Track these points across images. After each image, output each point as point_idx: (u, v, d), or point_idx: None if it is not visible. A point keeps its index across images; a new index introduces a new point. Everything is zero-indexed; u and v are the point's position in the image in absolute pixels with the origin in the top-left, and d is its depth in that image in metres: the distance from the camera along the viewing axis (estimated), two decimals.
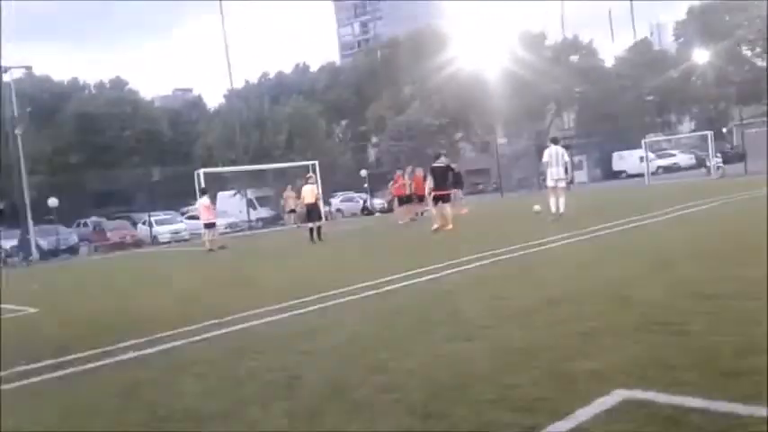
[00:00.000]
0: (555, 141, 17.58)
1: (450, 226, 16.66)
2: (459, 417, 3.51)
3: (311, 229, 18.98)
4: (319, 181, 34.21)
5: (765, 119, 44.35)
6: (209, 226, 22.03)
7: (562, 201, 16.11)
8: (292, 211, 30.63)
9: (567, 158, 16.73)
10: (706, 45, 50.88)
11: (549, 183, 16.51)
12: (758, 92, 50.52)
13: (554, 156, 16.45)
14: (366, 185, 40.44)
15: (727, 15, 54.44)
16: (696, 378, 3.67)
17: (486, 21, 44.70)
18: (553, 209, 16.04)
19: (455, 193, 24.44)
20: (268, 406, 4.09)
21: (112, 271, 19.47)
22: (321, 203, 28.90)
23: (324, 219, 21.22)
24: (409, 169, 24.81)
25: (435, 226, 16.89)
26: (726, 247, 8.55)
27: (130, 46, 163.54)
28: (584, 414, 3.32)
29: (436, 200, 17.49)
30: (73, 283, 16.93)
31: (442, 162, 18.28)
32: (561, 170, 16.32)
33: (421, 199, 24.04)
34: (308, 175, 20.75)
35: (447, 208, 17.32)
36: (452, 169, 18.80)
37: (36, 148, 41.53)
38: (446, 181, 17.72)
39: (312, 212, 19.49)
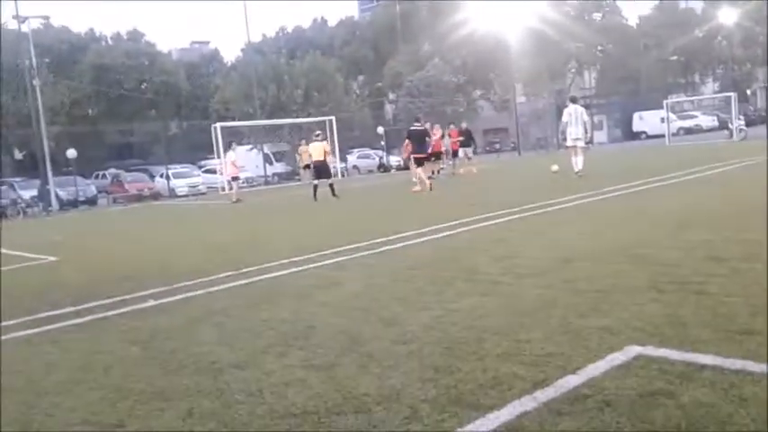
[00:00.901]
0: (574, 101, 17.49)
1: (427, 189, 17.04)
2: (469, 369, 3.56)
3: (315, 186, 18.58)
4: (336, 137, 34.25)
5: None
6: (235, 179, 23.37)
7: (581, 159, 16.06)
8: (307, 166, 30.65)
9: (586, 118, 16.67)
10: (733, 4, 49.63)
11: (569, 142, 16.45)
12: None
13: (573, 115, 16.38)
14: (383, 143, 40.29)
15: None
16: (709, 335, 3.68)
17: None
18: (575, 168, 16.00)
19: (465, 151, 24.40)
20: (285, 354, 4.17)
21: (139, 220, 19.68)
22: (335, 160, 28.88)
23: (337, 176, 21.07)
24: (427, 125, 24.58)
25: (416, 188, 17.45)
26: (740, 209, 8.47)
27: None
28: (595, 369, 3.35)
29: (416, 162, 18.21)
30: (93, 232, 17.14)
31: (419, 125, 19.10)
32: (581, 129, 16.26)
33: (438, 157, 24.01)
34: (317, 132, 20.32)
35: (420, 171, 17.81)
36: (428, 133, 19.56)
37: (54, 99, 41.65)
38: (424, 144, 18.44)
39: (321, 170, 19.06)
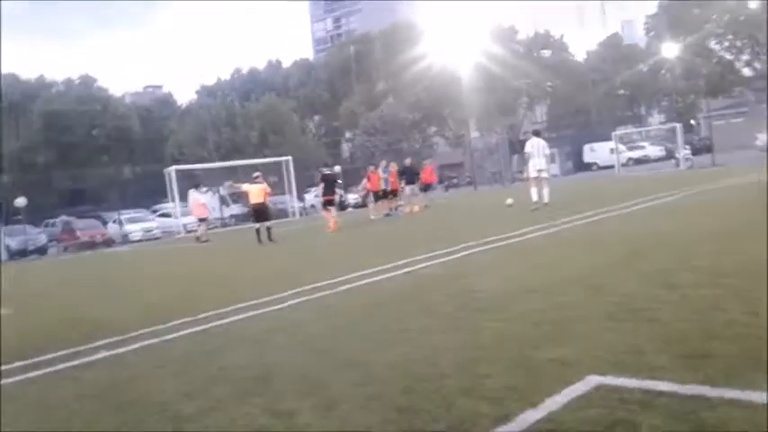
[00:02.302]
0: (537, 134, 18.20)
1: (332, 228, 18.73)
2: (430, 408, 3.53)
3: (257, 230, 18.19)
4: (293, 177, 34.21)
5: (731, 111, 45.13)
6: (203, 220, 23.97)
7: (546, 191, 16.59)
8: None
9: (547, 151, 17.26)
10: (675, 39, 51.61)
11: (532, 173, 16.79)
12: (725, 85, 51.42)
13: (536, 147, 16.85)
14: (339, 181, 40.34)
15: (697, 9, 55.31)
16: (665, 362, 3.73)
17: (457, 16, 44.66)
18: (535, 198, 16.37)
19: (412, 188, 24.37)
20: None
21: (90, 269, 19.22)
22: (292, 199, 28.73)
23: (295, 215, 21.00)
24: (383, 164, 24.67)
25: (331, 226, 18.98)
26: (689, 237, 8.69)
27: (99, 43, 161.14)
28: (555, 402, 3.35)
29: (325, 204, 20.01)
30: (44, 283, 16.68)
31: (328, 170, 20.99)
32: (543, 161, 16.69)
33: (395, 194, 24.13)
34: (255, 175, 19.67)
35: (333, 211, 19.87)
36: (338, 179, 21.53)
37: (4, 147, 40.83)
38: (334, 188, 20.38)
39: (260, 212, 18.56)
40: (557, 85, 58.29)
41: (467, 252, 10.05)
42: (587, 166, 50.98)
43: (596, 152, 50.89)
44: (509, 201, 18.59)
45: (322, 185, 20.24)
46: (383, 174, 23.94)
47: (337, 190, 21.21)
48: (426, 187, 27.00)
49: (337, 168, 31.29)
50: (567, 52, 60.92)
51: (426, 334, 5.21)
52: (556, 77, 57.80)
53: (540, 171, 16.66)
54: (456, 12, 46.24)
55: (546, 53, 60.03)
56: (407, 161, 25.48)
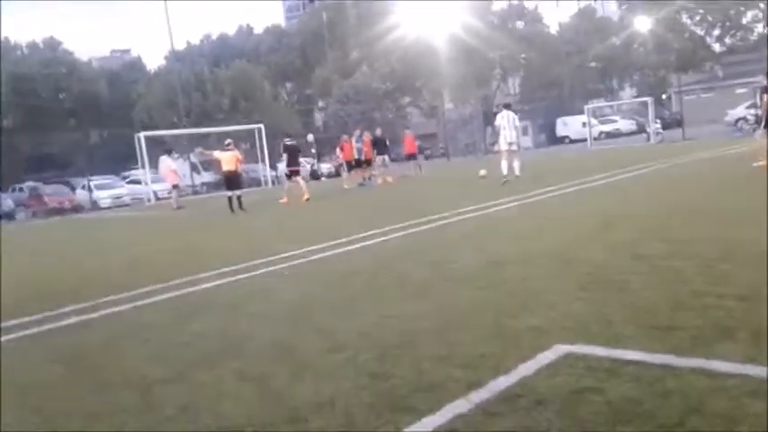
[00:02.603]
0: (507, 106, 17.95)
1: (306, 198, 18.28)
2: (404, 374, 3.57)
3: (229, 198, 17.88)
4: (265, 144, 33.90)
5: (702, 86, 45.61)
6: (176, 186, 23.78)
7: (517, 164, 16.55)
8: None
9: (518, 123, 17.26)
10: (648, 13, 51.73)
11: (503, 146, 16.77)
12: (696, 60, 51.85)
13: (507, 119, 16.74)
14: (313, 150, 40.10)
15: None
16: (633, 332, 3.82)
17: None
18: (505, 171, 16.34)
19: (383, 159, 24.31)
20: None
21: (60, 234, 18.95)
22: (264, 168, 28.57)
23: (268, 184, 20.81)
24: (357, 133, 24.55)
25: (284, 199, 18.82)
26: (658, 209, 8.83)
27: (63, 4, 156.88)
28: (525, 369, 3.42)
29: (289, 175, 19.96)
30: (12, 248, 16.41)
31: (292, 140, 20.78)
32: (514, 133, 16.67)
33: (369, 163, 24.08)
34: (227, 142, 19.23)
35: (300, 182, 19.60)
36: (299, 149, 20.94)
37: None
38: (297, 158, 20.23)
39: (231, 180, 18.26)
40: (530, 57, 58.28)
41: (441, 222, 10.11)
42: (560, 140, 51.33)
43: (569, 126, 51.23)
44: (482, 172, 18.68)
45: (285, 156, 20.12)
46: (356, 143, 23.85)
47: (302, 160, 21.02)
48: (410, 157, 27.28)
49: (310, 137, 31.09)
50: (541, 23, 60.81)
51: (400, 302, 5.25)
52: (530, 49, 57.76)
53: (510, 144, 16.67)
54: None
55: (520, 24, 59.89)
56: (378, 131, 25.32)
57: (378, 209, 14.61)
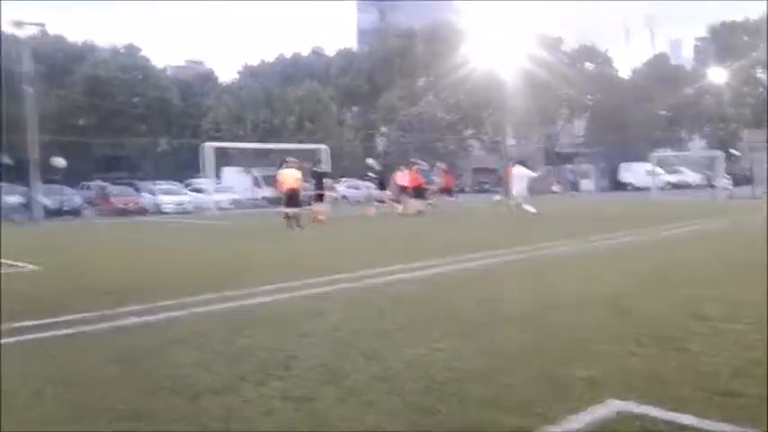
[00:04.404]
0: (522, 163, 21.28)
1: (322, 219, 19.89)
2: (451, 413, 3.54)
3: (287, 215, 18.12)
4: (330, 165, 34.27)
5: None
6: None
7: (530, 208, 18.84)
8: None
9: (533, 174, 20.97)
10: (722, 64, 50.65)
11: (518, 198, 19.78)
12: None
13: (518, 173, 20.18)
14: (374, 175, 40.26)
15: (746, 36, 54.27)
16: (689, 394, 3.70)
17: (503, 20, 44.33)
18: (532, 210, 18.70)
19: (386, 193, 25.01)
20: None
21: (124, 235, 19.51)
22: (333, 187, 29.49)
23: (309, 205, 21.01)
24: (420, 164, 25.48)
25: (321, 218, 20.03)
26: (721, 267, 8.57)
27: (144, 13, 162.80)
28: (577, 421, 3.35)
29: (316, 199, 21.19)
30: (78, 243, 16.96)
31: (318, 168, 22.93)
32: (522, 185, 19.97)
33: (450, 192, 25.76)
34: (289, 159, 19.47)
35: (322, 206, 20.88)
36: (324, 175, 22.19)
37: (46, 107, 41.46)
38: (322, 183, 21.46)
39: (291, 199, 18.33)
40: (598, 98, 57.60)
41: (494, 260, 10.04)
42: (622, 186, 50.43)
43: (632, 172, 50.31)
44: (497, 197, 20.44)
45: (314, 181, 21.65)
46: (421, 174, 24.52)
47: (326, 184, 21.84)
48: (445, 192, 27.19)
49: (370, 161, 31.37)
50: (611, 67, 60.14)
51: (449, 338, 5.21)
52: (597, 91, 57.12)
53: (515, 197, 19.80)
54: (502, 16, 45.88)
55: (590, 66, 59.35)
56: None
57: (430, 240, 14.58)
